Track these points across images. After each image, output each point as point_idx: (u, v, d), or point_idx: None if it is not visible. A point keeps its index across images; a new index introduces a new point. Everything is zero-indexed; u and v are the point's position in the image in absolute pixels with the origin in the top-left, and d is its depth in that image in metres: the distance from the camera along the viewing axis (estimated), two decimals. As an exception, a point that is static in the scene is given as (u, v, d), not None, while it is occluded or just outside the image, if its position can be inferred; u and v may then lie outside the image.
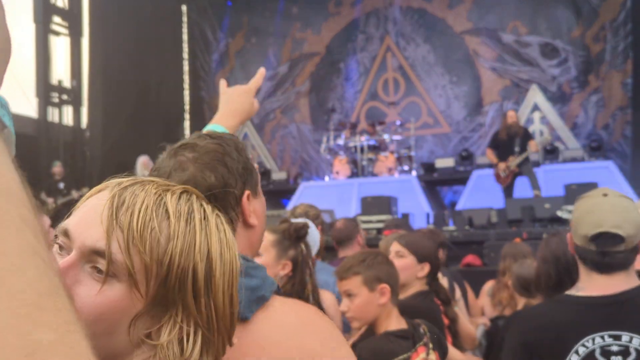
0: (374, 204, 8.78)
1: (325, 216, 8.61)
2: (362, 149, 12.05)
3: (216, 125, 1.63)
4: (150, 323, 0.81)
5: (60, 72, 13.90)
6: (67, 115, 14.07)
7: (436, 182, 12.60)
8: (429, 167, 12.43)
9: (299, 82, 15.57)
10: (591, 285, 1.76)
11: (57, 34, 13.83)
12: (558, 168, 10.67)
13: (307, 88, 15.51)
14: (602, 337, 1.70)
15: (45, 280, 0.41)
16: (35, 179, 12.32)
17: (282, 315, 1.14)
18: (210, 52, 16.40)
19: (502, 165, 8.91)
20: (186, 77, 16.51)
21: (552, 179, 9.81)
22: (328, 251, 3.89)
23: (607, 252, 1.72)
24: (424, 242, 2.69)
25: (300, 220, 2.35)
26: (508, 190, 8.98)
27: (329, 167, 12.69)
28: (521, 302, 3.35)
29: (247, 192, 1.19)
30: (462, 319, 2.95)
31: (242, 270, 1.10)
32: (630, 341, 1.68)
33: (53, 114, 13.69)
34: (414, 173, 11.87)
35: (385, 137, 12.10)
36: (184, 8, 16.64)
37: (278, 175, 13.60)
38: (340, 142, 12.40)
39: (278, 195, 12.78)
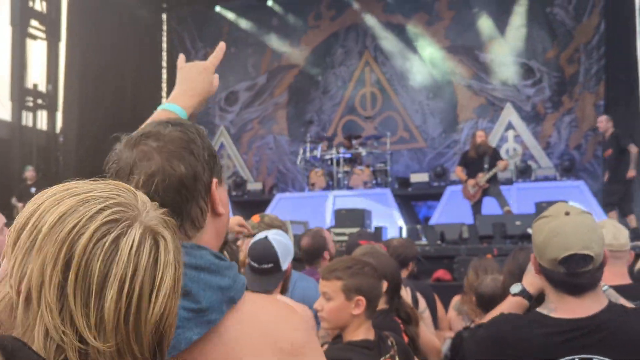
0: (347, 217, 8.81)
1: (299, 227, 8.62)
2: (338, 162, 12.09)
3: (172, 104, 1.53)
4: None
5: (36, 76, 13.75)
6: (42, 120, 13.91)
7: (410, 197, 12.68)
8: (403, 182, 12.52)
9: (277, 93, 15.60)
10: (562, 306, 1.76)
11: (34, 37, 13.69)
12: (530, 186, 10.81)
13: (286, 100, 15.54)
14: None
15: None
16: (7, 183, 12.16)
17: (253, 315, 1.12)
18: (188, 61, 16.33)
19: (471, 182, 9.05)
20: (164, 86, 16.43)
21: (524, 197, 9.94)
22: (297, 262, 3.88)
23: (576, 273, 1.72)
24: (384, 261, 2.66)
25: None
26: (476, 207, 9.11)
27: (305, 179, 12.71)
28: (486, 318, 3.38)
29: (214, 180, 1.15)
30: (425, 332, 2.94)
31: (214, 268, 1.09)
32: None
33: (27, 118, 13.52)
34: (388, 187, 11.94)
35: (362, 150, 12.17)
36: (164, 16, 16.61)
37: (253, 186, 13.58)
38: (317, 154, 12.43)
39: (253, 206, 12.74)
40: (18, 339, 0.75)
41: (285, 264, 2.60)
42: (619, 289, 2.21)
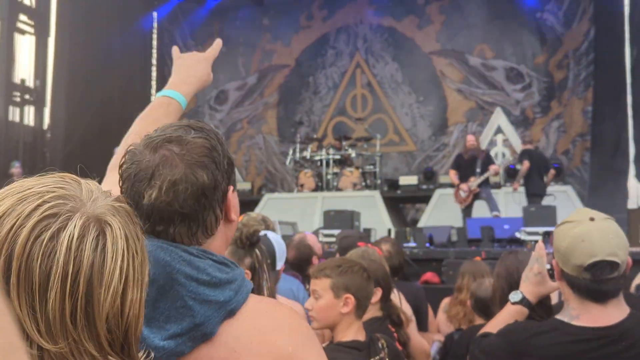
0: (336, 218, 8.80)
1: (287, 228, 8.61)
2: (327, 163, 12.08)
3: (173, 91, 1.52)
4: None
5: (24, 72, 13.63)
6: (29, 116, 13.79)
7: (399, 199, 12.69)
8: (392, 184, 12.53)
9: (267, 94, 15.57)
10: (586, 314, 1.73)
11: (22, 32, 13.57)
12: (518, 190, 10.84)
13: (276, 100, 15.52)
14: None
15: None
16: (-8, 178, 12.05)
17: (253, 320, 1.10)
18: (179, 60, 16.29)
19: (463, 186, 9.08)
20: (153, 83, 16.35)
21: (512, 201, 9.98)
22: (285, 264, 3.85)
23: (601, 280, 1.70)
24: (376, 267, 2.65)
25: (254, 224, 2.30)
26: (467, 211, 9.14)
27: (294, 179, 12.68)
28: (479, 321, 3.37)
29: (230, 187, 1.16)
30: (415, 335, 2.93)
31: (215, 282, 1.07)
32: None
33: (14, 113, 13.40)
34: (377, 189, 11.94)
35: (351, 152, 12.16)
36: (154, 14, 16.52)
37: (242, 185, 13.53)
38: (307, 155, 12.42)
39: (241, 205, 12.56)
40: None
41: (280, 264, 2.58)
42: None
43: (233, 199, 1.18)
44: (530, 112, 13.46)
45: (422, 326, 3.62)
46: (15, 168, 11.28)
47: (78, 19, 13.70)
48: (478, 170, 9.02)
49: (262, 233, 2.64)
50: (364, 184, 11.92)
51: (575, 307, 1.76)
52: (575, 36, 13.21)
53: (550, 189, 10.03)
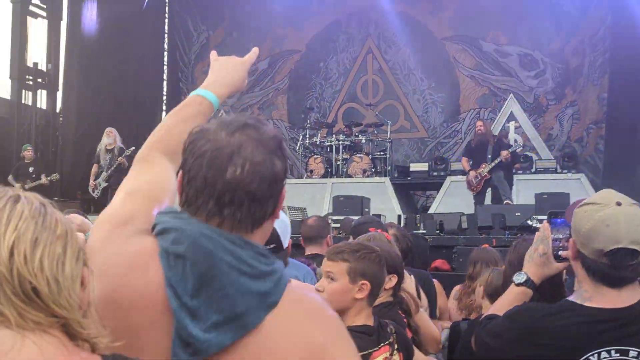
0: (346, 204, 8.78)
1: (297, 214, 8.60)
2: (337, 149, 12.04)
3: (207, 91, 1.52)
4: None
5: (37, 55, 13.66)
6: (42, 99, 13.85)
7: (410, 186, 12.63)
8: (403, 171, 12.46)
9: (278, 79, 15.51)
10: (600, 297, 1.70)
11: (34, 15, 13.59)
12: (530, 178, 10.75)
13: (286, 85, 15.45)
14: (609, 352, 1.64)
15: None
16: (5, 161, 12.11)
17: (288, 308, 1.11)
18: (190, 44, 16.25)
19: (473, 173, 9.01)
20: (165, 68, 16.34)
21: (524, 189, 9.90)
22: (295, 248, 3.85)
23: (620, 267, 1.66)
24: (393, 254, 2.63)
25: None
26: (479, 198, 9.07)
27: (303, 165, 12.65)
28: (488, 307, 3.34)
29: (285, 181, 1.19)
30: (425, 322, 2.91)
31: (255, 273, 1.09)
32: (638, 357, 1.63)
33: (27, 97, 13.45)
34: (387, 176, 11.88)
35: (361, 138, 12.10)
36: (166, -2, 16.48)
37: (252, 171, 13.52)
38: (316, 141, 12.37)
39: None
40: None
41: (286, 242, 2.56)
42: None
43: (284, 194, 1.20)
44: (544, 99, 13.31)
45: (430, 313, 3.59)
46: (28, 151, 11.33)
47: (89, 3, 13.70)
48: (489, 156, 8.94)
49: None
50: (373, 170, 11.86)
51: (588, 289, 1.72)
52: (591, 22, 12.99)
53: (562, 176, 9.94)
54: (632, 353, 1.64)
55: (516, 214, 7.72)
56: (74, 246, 0.92)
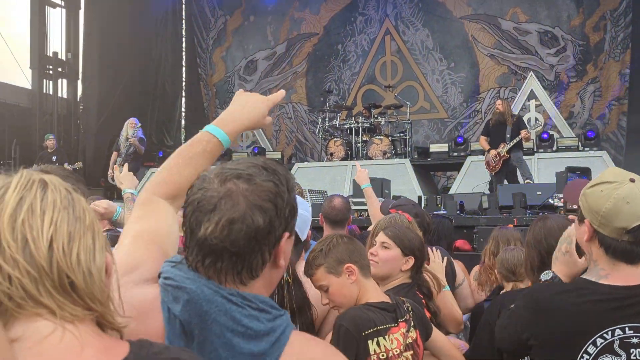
0: (366, 186, 8.75)
1: (318, 197, 8.62)
2: (357, 132, 12.02)
3: (218, 129, 1.51)
4: None
5: (56, 45, 13.79)
6: (62, 88, 13.98)
7: (430, 167, 12.59)
8: (423, 152, 12.41)
9: (296, 62, 15.49)
10: (616, 274, 1.71)
11: (53, 5, 13.69)
12: (552, 156, 10.64)
13: (305, 68, 15.43)
14: (623, 329, 1.65)
15: None
16: (29, 151, 12.27)
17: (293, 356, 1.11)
18: (208, 30, 16.28)
19: (492, 152, 8.94)
20: (184, 55, 16.39)
21: (545, 167, 9.81)
22: (317, 231, 3.85)
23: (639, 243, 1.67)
24: (410, 235, 2.66)
25: None
26: (498, 177, 9.00)
27: (323, 148, 12.66)
28: (508, 286, 3.34)
29: (286, 234, 1.17)
30: (447, 303, 2.92)
31: (250, 334, 1.09)
32: None
33: (48, 86, 13.59)
34: (407, 157, 11.85)
35: (381, 120, 12.06)
36: (183, -16, 16.49)
37: (272, 155, 13.56)
38: (336, 123, 12.36)
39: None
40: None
41: (304, 234, 2.58)
42: None
43: (286, 245, 1.19)
44: (565, 76, 13.15)
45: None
46: (50, 140, 11.47)
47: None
48: (508, 136, 8.85)
49: None
50: (393, 151, 11.83)
51: (605, 267, 1.73)
52: (612, -4, 12.78)
53: (583, 154, 9.81)
54: None
55: (537, 193, 7.64)
56: (100, 235, 0.93)
